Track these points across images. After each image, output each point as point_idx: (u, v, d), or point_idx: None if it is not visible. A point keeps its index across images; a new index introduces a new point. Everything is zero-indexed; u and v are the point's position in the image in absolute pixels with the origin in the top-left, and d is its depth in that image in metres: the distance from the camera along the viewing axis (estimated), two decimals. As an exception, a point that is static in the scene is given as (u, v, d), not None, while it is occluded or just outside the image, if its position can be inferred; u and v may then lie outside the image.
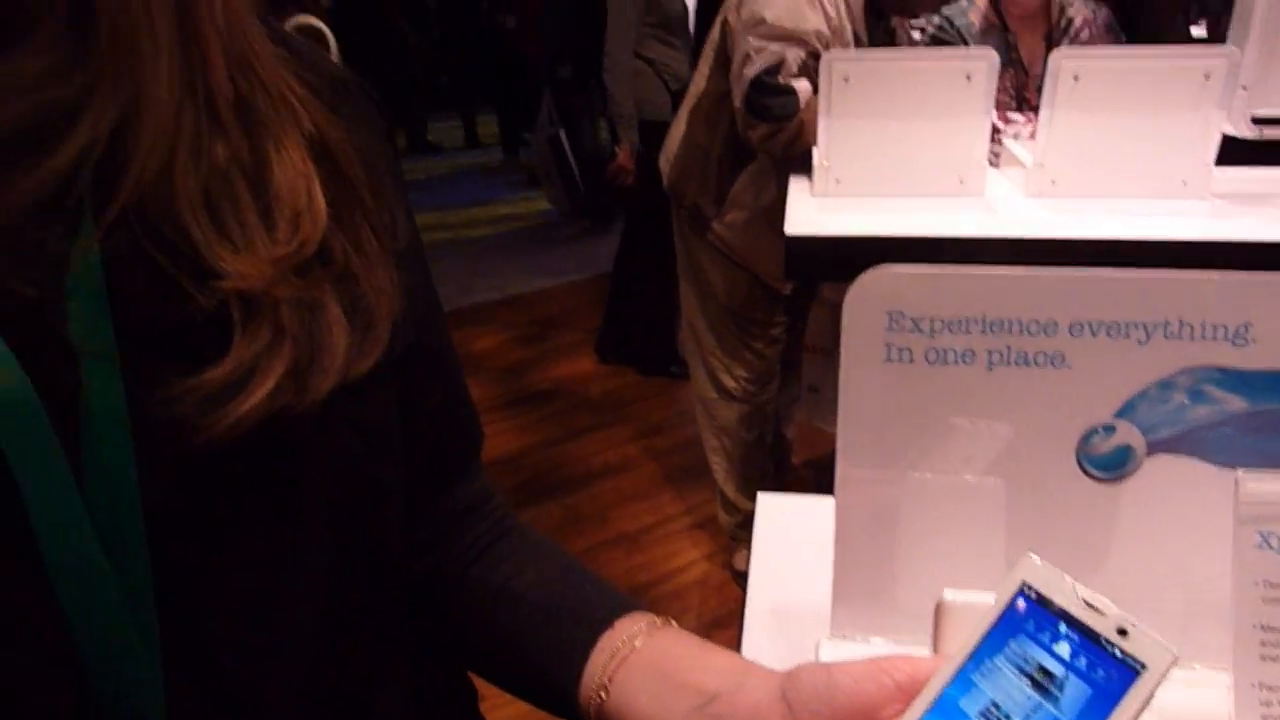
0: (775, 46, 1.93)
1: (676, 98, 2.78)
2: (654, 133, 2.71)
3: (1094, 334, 0.52)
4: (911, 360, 0.53)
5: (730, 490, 2.47)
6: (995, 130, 1.93)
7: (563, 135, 4.88)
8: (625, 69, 3.20)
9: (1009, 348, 0.53)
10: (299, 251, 0.45)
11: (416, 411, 0.56)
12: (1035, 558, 0.40)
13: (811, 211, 1.72)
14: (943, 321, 0.53)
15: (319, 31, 2.58)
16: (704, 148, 2.19)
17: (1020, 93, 2.20)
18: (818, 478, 2.75)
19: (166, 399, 0.41)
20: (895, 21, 2.22)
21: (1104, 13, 2.19)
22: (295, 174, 0.46)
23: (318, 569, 0.49)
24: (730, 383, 2.38)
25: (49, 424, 0.38)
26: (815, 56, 1.94)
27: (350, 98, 0.55)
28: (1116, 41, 2.17)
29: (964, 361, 0.53)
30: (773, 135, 1.96)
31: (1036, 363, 0.53)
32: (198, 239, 0.42)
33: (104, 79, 0.40)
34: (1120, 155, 1.66)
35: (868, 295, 0.52)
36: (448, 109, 8.20)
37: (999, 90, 2.02)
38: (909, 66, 1.70)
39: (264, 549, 0.47)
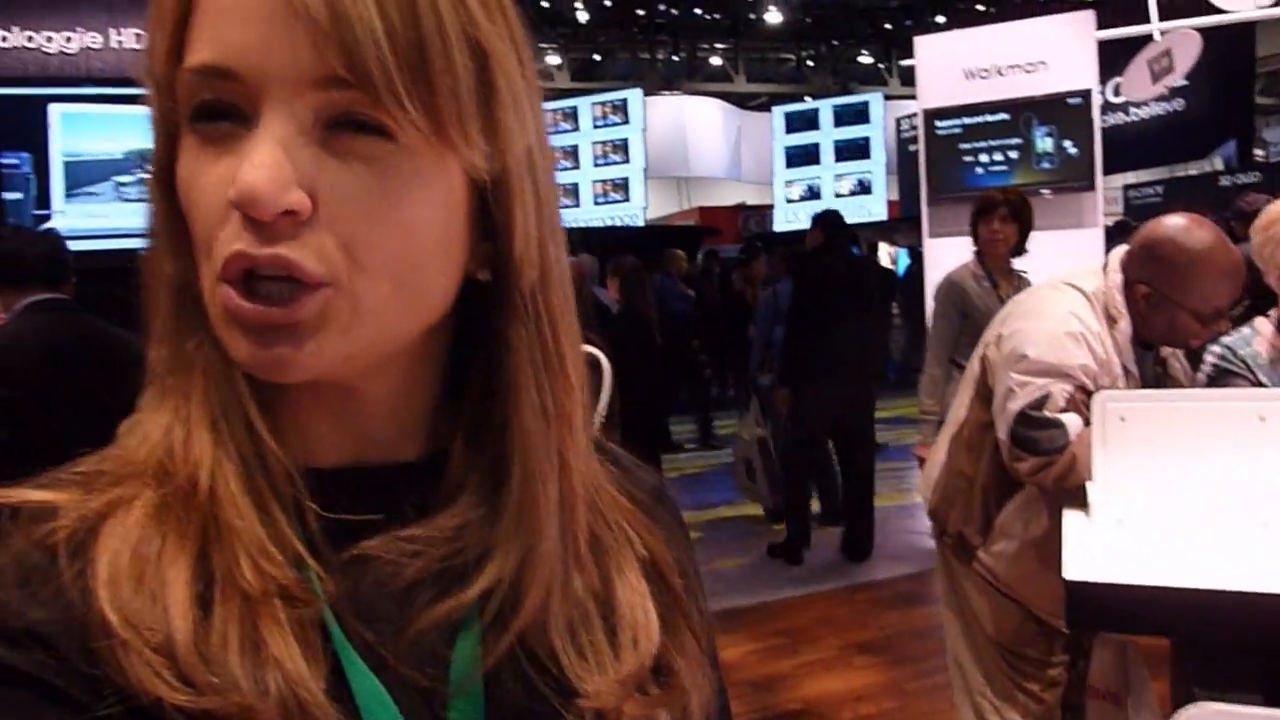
0: (1040, 381, 1.93)
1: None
2: None
3: None
4: (1252, 816, 0.49)
5: None
6: (1299, 466, 1.78)
7: (769, 438, 5.27)
8: (935, 375, 3.68)
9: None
10: (639, 668, 0.52)
11: None
12: None
13: (1093, 554, 1.63)
14: (1285, 775, 0.48)
15: (595, 359, 2.87)
16: (967, 476, 2.16)
17: (1323, 424, 2.04)
18: None
19: None
20: (1167, 352, 2.16)
21: None
22: (634, 594, 0.54)
23: None
24: (1004, 728, 2.18)
25: None
26: (1083, 390, 1.92)
27: (663, 503, 0.63)
28: None
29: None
30: (1042, 469, 1.91)
31: None
32: (563, 661, 0.50)
33: (508, 534, 0.50)
34: None
35: (1194, 741, 0.50)
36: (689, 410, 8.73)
37: (1298, 422, 1.89)
38: (1192, 408, 1.64)
39: None
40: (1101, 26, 5.45)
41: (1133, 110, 11.75)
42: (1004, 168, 5.39)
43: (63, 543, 0.44)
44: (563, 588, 0.51)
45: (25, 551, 0.43)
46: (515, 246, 0.49)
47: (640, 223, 13.61)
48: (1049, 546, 1.92)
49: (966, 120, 5.44)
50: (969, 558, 2.17)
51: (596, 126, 13.61)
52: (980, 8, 15.30)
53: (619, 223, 13.39)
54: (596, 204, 13.93)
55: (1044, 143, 5.34)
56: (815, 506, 5.55)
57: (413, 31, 0.43)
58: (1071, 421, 1.89)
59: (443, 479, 0.51)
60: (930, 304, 5.44)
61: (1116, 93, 9.92)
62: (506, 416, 0.51)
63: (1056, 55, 5.29)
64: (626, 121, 13.63)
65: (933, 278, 5.51)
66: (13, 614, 0.42)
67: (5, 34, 4.22)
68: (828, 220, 5.10)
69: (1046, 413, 1.91)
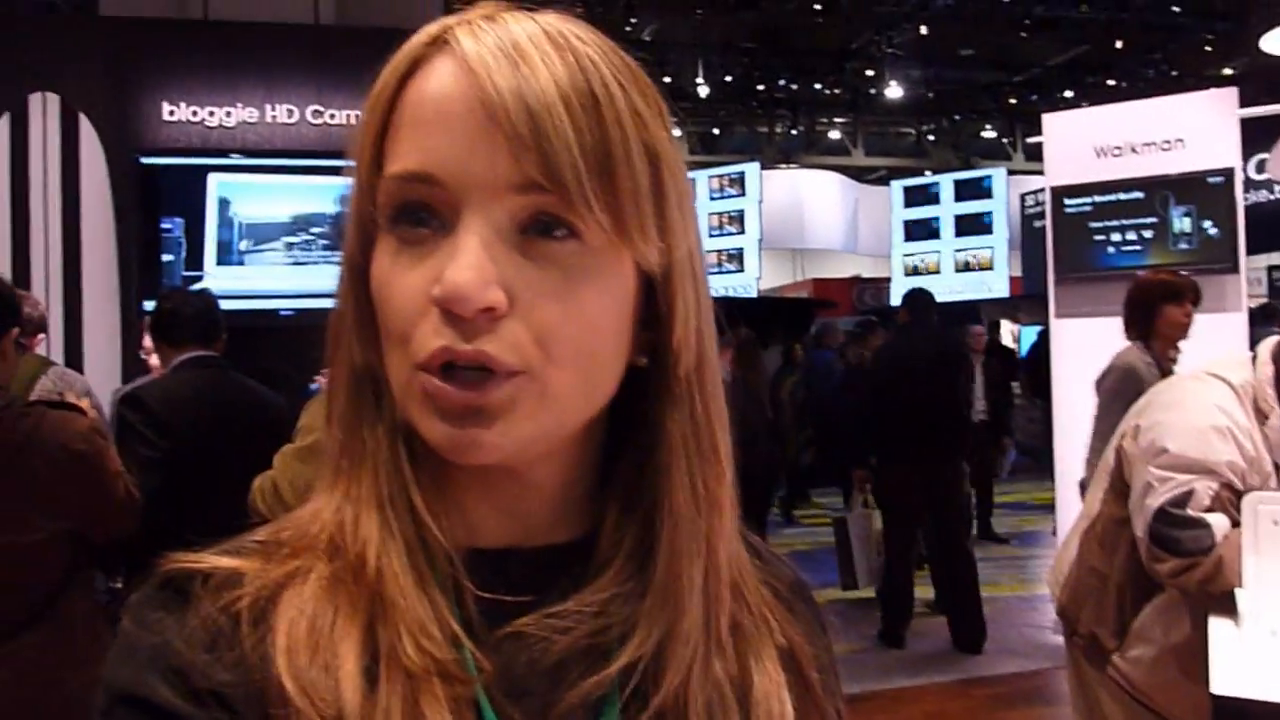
0: (1182, 478, 1.83)
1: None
2: None
3: None
4: None
5: None
6: None
7: (848, 519, 5.23)
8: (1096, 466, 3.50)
9: None
10: None
11: None
12: None
13: (1243, 667, 1.52)
14: None
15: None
16: (1100, 574, 2.05)
17: None
18: None
19: None
20: (1325, 450, 2.02)
21: None
22: (771, 683, 0.54)
23: None
24: None
25: None
26: (1229, 489, 1.81)
27: (803, 599, 0.63)
28: None
29: None
30: (1184, 571, 1.80)
31: None
32: None
33: (652, 611, 0.51)
34: None
35: None
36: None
37: None
38: (1355, 514, 1.53)
39: None
40: (1245, 103, 5.24)
41: (1278, 188, 11.20)
42: (1137, 248, 5.20)
43: (245, 609, 0.47)
44: (703, 669, 0.51)
45: (213, 616, 0.47)
46: (675, 334, 0.52)
47: (753, 293, 13.62)
48: (1192, 654, 1.80)
49: (1097, 198, 5.28)
50: (1103, 662, 2.05)
51: (713, 198, 13.79)
52: (1111, 83, 14.93)
53: (732, 293, 13.43)
54: (710, 274, 14.02)
55: (1181, 222, 5.13)
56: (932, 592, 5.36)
57: (601, 142, 0.47)
58: (1218, 522, 1.78)
59: (592, 557, 0.53)
60: (1059, 385, 5.26)
61: (1260, 169, 9.47)
62: (658, 497, 0.52)
63: (1195, 133, 5.10)
64: (743, 194, 13.76)
65: (1061, 359, 5.32)
66: (200, 675, 0.45)
67: (173, 109, 4.58)
68: (912, 299, 5.16)
69: (1190, 511, 1.80)
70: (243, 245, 4.44)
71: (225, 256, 4.42)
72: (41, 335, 3.07)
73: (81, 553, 2.06)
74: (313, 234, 4.46)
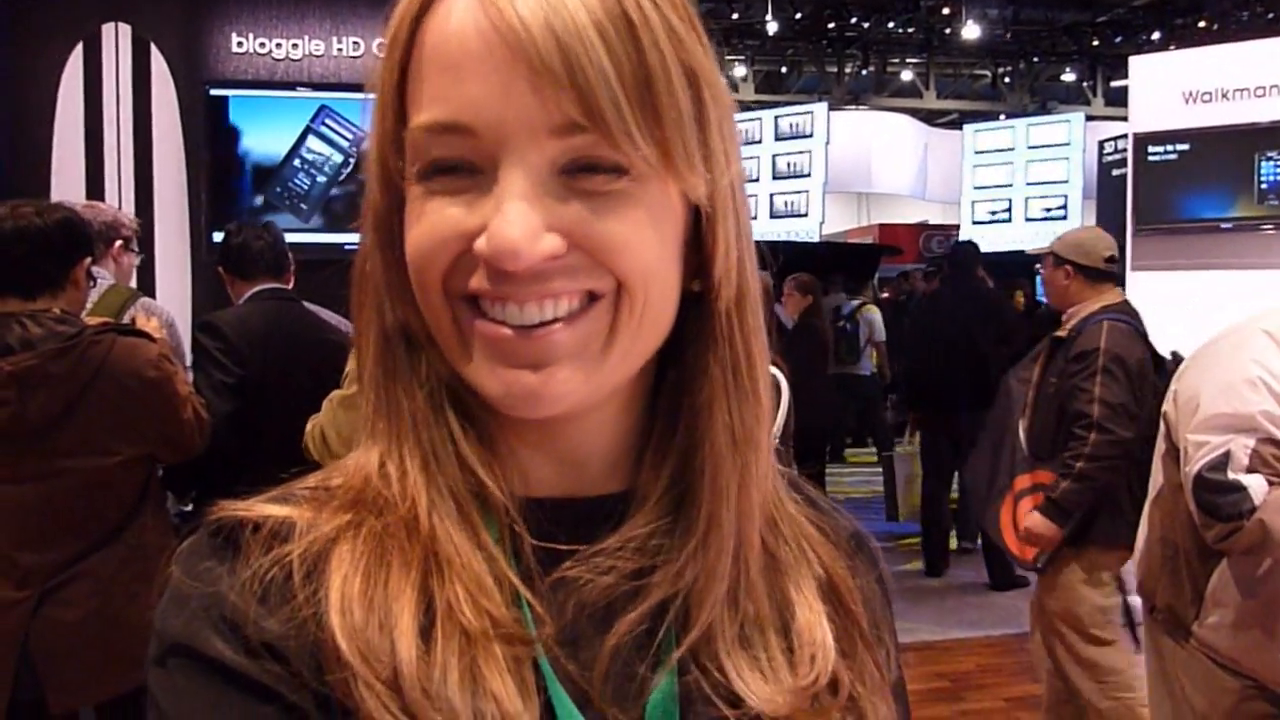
0: (1216, 439, 1.77)
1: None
2: None
3: None
4: None
5: None
6: None
7: (894, 458, 5.48)
8: None
9: None
10: (814, 684, 0.51)
11: None
12: None
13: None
14: None
15: (775, 380, 2.84)
16: (1169, 542, 1.99)
17: None
18: None
19: None
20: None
21: None
22: (811, 613, 0.54)
23: None
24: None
25: None
26: (1272, 442, 1.75)
27: (863, 550, 0.62)
28: None
29: None
30: (1228, 535, 1.75)
31: None
32: (731, 672, 0.50)
33: (691, 549, 0.50)
34: None
35: None
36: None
37: None
38: None
39: None
40: (1349, 48, 4.94)
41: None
42: (1223, 199, 4.99)
43: (296, 562, 0.46)
44: (730, 603, 0.51)
45: (264, 568, 0.46)
46: (717, 266, 0.50)
47: (816, 238, 13.39)
48: (1271, 613, 1.76)
49: (1182, 146, 5.07)
50: (1184, 635, 1.97)
51: (779, 139, 13.52)
52: (1202, 24, 14.21)
53: (794, 238, 13.23)
54: (773, 218, 13.82)
55: (1272, 174, 4.90)
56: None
57: (640, 68, 0.44)
58: (1254, 484, 1.72)
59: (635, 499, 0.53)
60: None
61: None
62: (698, 438, 0.51)
63: (1293, 79, 4.84)
64: (810, 135, 13.46)
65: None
66: (253, 626, 0.44)
67: (241, 40, 4.60)
68: (953, 253, 5.39)
69: (1230, 474, 1.75)
70: (305, 179, 4.48)
71: (288, 190, 4.47)
72: (136, 255, 3.02)
73: (154, 474, 2.13)
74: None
